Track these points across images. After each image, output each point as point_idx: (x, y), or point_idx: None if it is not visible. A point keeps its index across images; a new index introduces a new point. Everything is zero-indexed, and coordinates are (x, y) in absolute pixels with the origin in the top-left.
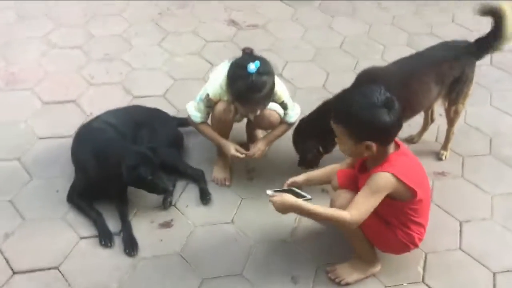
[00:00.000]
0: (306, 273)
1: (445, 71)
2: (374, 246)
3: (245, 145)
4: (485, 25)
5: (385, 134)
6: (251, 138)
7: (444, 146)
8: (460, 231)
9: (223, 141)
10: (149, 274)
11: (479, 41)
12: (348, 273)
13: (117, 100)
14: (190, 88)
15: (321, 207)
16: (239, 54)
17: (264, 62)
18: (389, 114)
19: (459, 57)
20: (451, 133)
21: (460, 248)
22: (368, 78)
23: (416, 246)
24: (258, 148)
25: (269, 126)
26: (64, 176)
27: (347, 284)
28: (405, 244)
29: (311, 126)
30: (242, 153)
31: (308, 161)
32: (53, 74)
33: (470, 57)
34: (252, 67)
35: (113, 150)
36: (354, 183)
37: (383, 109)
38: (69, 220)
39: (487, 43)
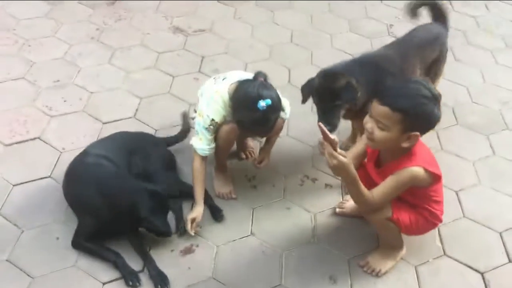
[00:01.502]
0: (340, 270)
1: (427, 53)
2: (403, 233)
3: (236, 154)
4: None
5: (430, 128)
6: (242, 146)
7: None
8: (459, 200)
9: (197, 203)
10: None
11: (437, 19)
12: (381, 263)
13: (87, 130)
14: (159, 104)
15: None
16: (195, 61)
17: (274, 99)
18: (438, 109)
19: (438, 37)
20: None
21: (464, 216)
22: (375, 64)
23: (441, 221)
24: (262, 157)
25: (274, 134)
26: (57, 221)
27: (384, 273)
28: (433, 223)
29: (345, 70)
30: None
31: (336, 115)
32: (4, 113)
33: (445, 35)
34: (263, 104)
35: (125, 191)
36: (366, 179)
37: (436, 103)
38: (82, 267)
39: (442, 16)
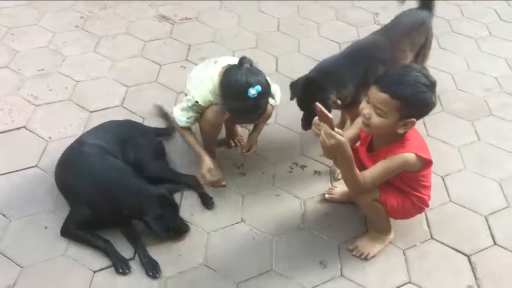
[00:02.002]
0: (330, 255)
1: (415, 39)
2: (389, 216)
3: (225, 141)
4: None
5: (425, 114)
6: (231, 133)
7: None
8: (445, 185)
9: (204, 156)
10: None
11: (423, 6)
12: (370, 247)
13: (73, 118)
14: (146, 93)
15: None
16: (182, 49)
17: (264, 84)
18: (435, 96)
19: (424, 22)
20: None
21: (451, 201)
22: (364, 52)
23: (427, 206)
24: (250, 143)
25: (262, 121)
26: (45, 210)
27: (373, 257)
28: (420, 208)
29: (326, 79)
30: (213, 176)
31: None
32: None
33: (430, 20)
34: (253, 92)
35: (132, 191)
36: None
37: (433, 91)
38: (72, 256)
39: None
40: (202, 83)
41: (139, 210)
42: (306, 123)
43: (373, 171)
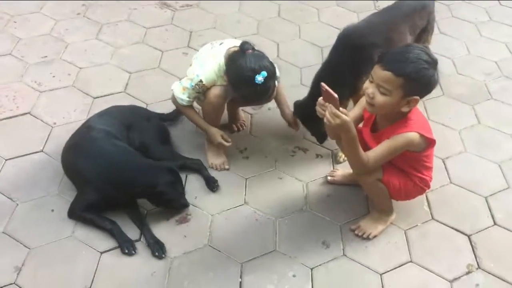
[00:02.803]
0: (333, 235)
1: (416, 21)
2: (391, 197)
3: (228, 126)
4: None
5: (428, 92)
6: (233, 118)
7: None
8: (445, 167)
9: (209, 128)
10: (188, 271)
11: None
12: (372, 227)
13: (77, 104)
14: (149, 79)
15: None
16: (183, 36)
17: (269, 67)
18: (437, 75)
19: (425, 6)
20: None
21: (451, 183)
22: (351, 38)
23: (429, 187)
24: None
25: (278, 95)
26: (52, 194)
27: (375, 236)
28: (422, 189)
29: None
30: (228, 141)
31: (322, 136)
32: None
33: (432, 5)
34: (260, 79)
35: (140, 168)
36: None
37: (436, 70)
38: (79, 237)
39: None
40: (208, 63)
41: (152, 184)
42: (318, 138)
43: (377, 151)
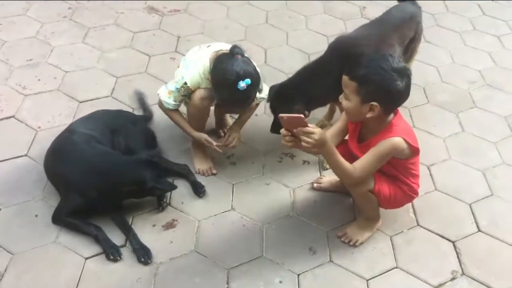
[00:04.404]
0: (319, 241)
1: (405, 32)
2: (381, 206)
3: (215, 131)
4: None
5: (393, 99)
6: (220, 123)
7: None
8: (430, 174)
9: (195, 134)
10: (174, 277)
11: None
12: (359, 234)
13: (63, 108)
14: (136, 83)
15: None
16: (171, 41)
17: (253, 76)
18: (402, 82)
19: (413, 16)
20: None
21: (436, 189)
22: (344, 46)
23: (417, 195)
24: (233, 137)
25: (248, 111)
26: (36, 198)
27: (361, 243)
28: (410, 196)
29: (296, 90)
30: (214, 143)
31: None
32: None
33: (420, 15)
34: (243, 85)
35: (119, 166)
36: (347, 156)
37: (397, 76)
38: (64, 243)
39: None
40: (193, 65)
41: (140, 181)
42: (274, 128)
43: (364, 160)
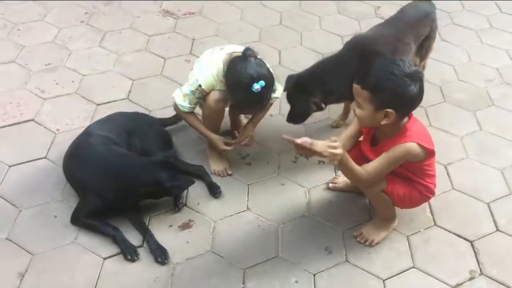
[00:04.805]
0: (335, 241)
1: (420, 30)
2: (396, 206)
3: (230, 132)
4: None
5: (407, 105)
6: (235, 124)
7: None
8: (447, 173)
9: (211, 135)
10: (190, 277)
11: None
12: (375, 234)
13: (80, 111)
14: (152, 86)
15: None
16: (186, 43)
17: (267, 77)
18: (415, 86)
19: (428, 14)
20: None
21: (453, 189)
22: (361, 43)
23: (433, 194)
24: (246, 136)
25: (262, 111)
26: (55, 200)
27: (377, 243)
28: (426, 196)
29: (314, 82)
30: (230, 145)
31: (300, 117)
32: None
33: (434, 12)
34: (257, 87)
35: (135, 168)
36: (360, 158)
37: (409, 80)
38: (82, 243)
39: None
40: (207, 67)
41: (157, 181)
42: (290, 117)
43: (376, 164)
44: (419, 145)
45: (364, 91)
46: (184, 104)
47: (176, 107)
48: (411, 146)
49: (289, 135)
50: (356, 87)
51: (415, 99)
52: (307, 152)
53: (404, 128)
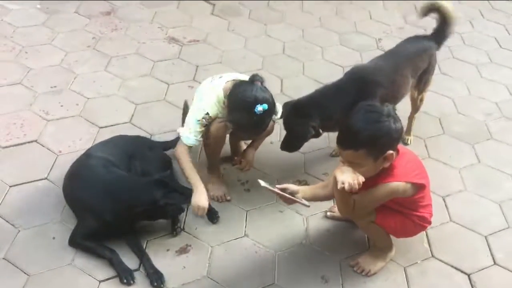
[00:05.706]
0: (332, 270)
1: (418, 64)
2: (391, 235)
3: (230, 158)
4: (398, 19)
5: (396, 141)
6: (235, 150)
7: (408, 132)
8: (445, 205)
9: (198, 186)
10: None
11: (436, 33)
12: (372, 264)
13: (83, 133)
14: (154, 110)
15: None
16: (189, 70)
17: (270, 103)
18: (395, 122)
19: (426, 49)
20: (414, 119)
21: (451, 221)
22: (360, 72)
23: (430, 223)
24: (247, 162)
25: (264, 135)
26: (54, 221)
27: (374, 273)
28: (422, 226)
29: (313, 107)
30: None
31: (295, 143)
32: (1, 116)
33: (434, 48)
34: (260, 109)
35: (130, 187)
36: None
37: (390, 119)
38: (79, 266)
39: (442, 33)
40: (207, 95)
41: (151, 200)
42: (285, 144)
43: (362, 199)
44: (407, 182)
45: (360, 151)
46: (190, 136)
47: (176, 152)
48: (397, 185)
49: (267, 182)
50: (348, 152)
51: (400, 133)
52: (286, 200)
53: (392, 165)
